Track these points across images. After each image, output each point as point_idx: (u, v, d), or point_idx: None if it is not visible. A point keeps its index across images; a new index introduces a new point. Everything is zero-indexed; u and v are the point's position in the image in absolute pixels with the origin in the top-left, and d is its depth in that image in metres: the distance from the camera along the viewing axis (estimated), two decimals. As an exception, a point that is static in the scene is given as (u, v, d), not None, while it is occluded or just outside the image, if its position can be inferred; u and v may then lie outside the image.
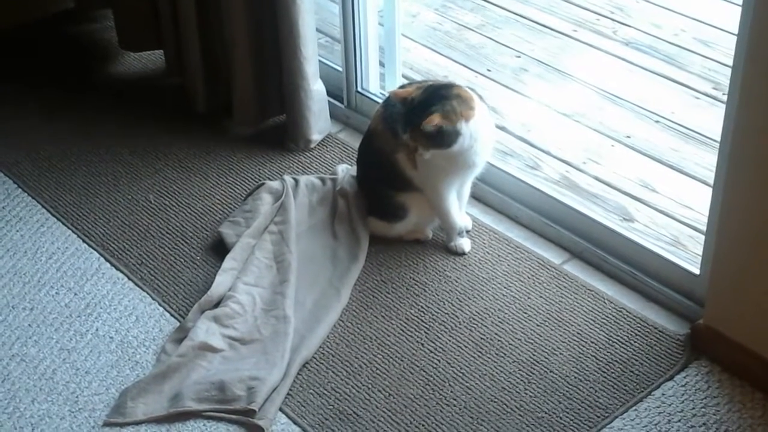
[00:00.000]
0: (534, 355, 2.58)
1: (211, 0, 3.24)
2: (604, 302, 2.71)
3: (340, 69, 3.36)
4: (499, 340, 2.62)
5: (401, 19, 3.34)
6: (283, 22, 3.08)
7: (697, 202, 3.03)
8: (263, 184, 3.05)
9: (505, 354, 2.59)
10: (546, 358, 2.57)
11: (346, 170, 3.09)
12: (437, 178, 2.77)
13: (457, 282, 2.79)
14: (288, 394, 2.50)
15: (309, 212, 2.98)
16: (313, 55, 3.16)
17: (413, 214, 2.86)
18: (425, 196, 2.82)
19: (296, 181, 3.05)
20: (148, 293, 2.79)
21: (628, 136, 3.34)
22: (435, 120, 2.59)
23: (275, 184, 3.04)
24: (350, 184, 3.01)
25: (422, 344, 2.62)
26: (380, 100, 3.03)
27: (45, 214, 3.07)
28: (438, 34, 3.91)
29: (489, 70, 3.65)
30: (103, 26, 3.86)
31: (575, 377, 2.52)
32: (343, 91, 3.37)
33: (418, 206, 2.85)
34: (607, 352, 2.58)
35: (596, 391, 2.49)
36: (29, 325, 2.71)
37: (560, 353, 2.58)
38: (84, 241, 2.97)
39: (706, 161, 3.19)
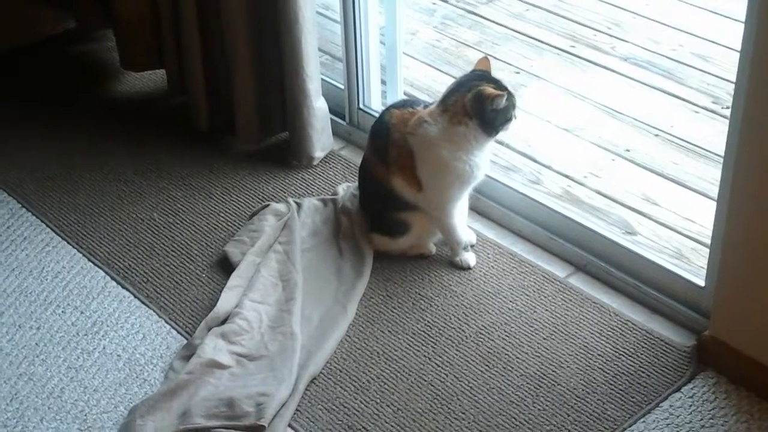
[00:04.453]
0: (541, 368, 2.59)
1: (213, 19, 3.26)
2: (610, 315, 2.72)
3: (341, 86, 3.38)
4: (506, 354, 2.63)
5: (401, 37, 3.36)
6: (286, 40, 3.10)
7: (699, 214, 3.05)
8: (268, 205, 3.06)
9: (512, 368, 2.60)
10: (553, 371, 2.58)
11: (347, 188, 3.10)
12: (443, 195, 2.78)
13: (462, 296, 2.80)
14: (297, 409, 2.51)
15: (313, 232, 2.99)
16: (316, 73, 3.18)
17: (415, 229, 2.88)
18: (429, 214, 2.84)
19: (299, 204, 3.06)
20: (154, 311, 2.80)
21: (628, 150, 3.36)
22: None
23: (280, 206, 3.05)
24: (352, 202, 3.03)
25: (429, 359, 2.63)
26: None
27: (50, 233, 3.07)
28: (437, 51, 3.94)
29: (489, 87, 3.67)
30: (105, 46, 3.88)
31: (583, 390, 2.53)
32: (345, 108, 3.39)
33: (419, 222, 2.87)
34: (614, 364, 2.59)
35: (604, 403, 2.50)
36: (36, 344, 2.71)
37: (567, 366, 2.59)
38: (89, 259, 2.97)
39: (707, 174, 3.21)
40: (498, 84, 2.72)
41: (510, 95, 2.71)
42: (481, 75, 2.76)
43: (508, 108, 2.71)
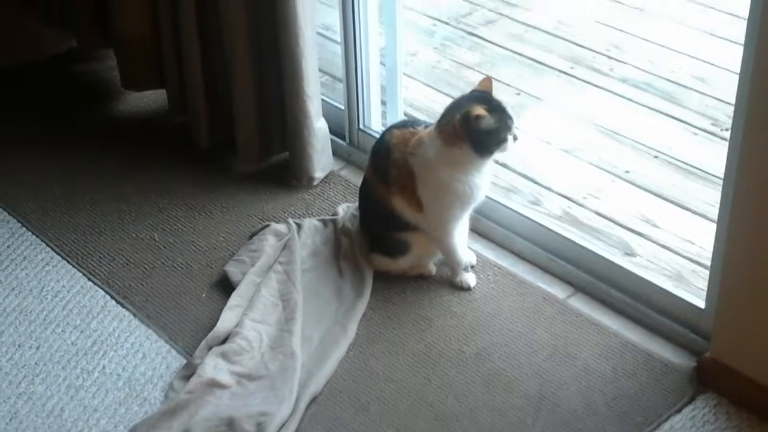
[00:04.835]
0: (541, 389, 2.59)
1: (214, 39, 3.27)
2: (610, 336, 2.72)
3: (342, 107, 3.39)
4: (506, 375, 2.63)
5: (401, 58, 3.37)
6: (287, 61, 3.11)
7: (698, 236, 3.05)
8: (269, 225, 3.07)
9: (512, 389, 2.60)
10: (553, 392, 2.58)
11: (347, 209, 3.11)
12: (444, 216, 2.79)
13: (462, 317, 2.80)
14: (297, 429, 2.50)
15: (313, 252, 2.99)
16: (316, 93, 3.19)
17: (415, 249, 2.88)
18: (429, 235, 2.84)
19: (299, 225, 3.06)
20: (154, 330, 2.80)
21: (628, 171, 3.37)
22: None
23: (281, 227, 3.05)
24: (352, 222, 3.03)
25: (429, 379, 2.63)
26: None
27: (50, 252, 3.07)
28: (437, 72, 3.95)
29: (489, 108, 3.68)
30: (105, 66, 3.88)
31: (583, 411, 2.53)
32: (345, 128, 3.39)
33: (419, 242, 2.87)
34: (614, 386, 2.59)
35: (604, 425, 2.49)
36: (36, 363, 2.71)
37: (567, 387, 2.59)
38: (89, 279, 2.97)
39: (707, 196, 3.22)
40: (491, 104, 2.69)
41: (502, 117, 2.67)
42: (478, 96, 2.75)
43: (499, 129, 2.67)
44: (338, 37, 3.30)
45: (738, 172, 2.38)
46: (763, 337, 2.44)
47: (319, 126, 3.22)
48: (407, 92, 3.72)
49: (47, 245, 3.10)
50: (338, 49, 3.34)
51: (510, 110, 2.71)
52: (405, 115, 3.46)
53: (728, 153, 2.45)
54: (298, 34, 3.05)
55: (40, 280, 2.98)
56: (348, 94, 3.33)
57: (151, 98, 3.73)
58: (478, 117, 2.64)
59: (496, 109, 2.68)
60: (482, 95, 2.73)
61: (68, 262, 3.04)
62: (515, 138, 2.71)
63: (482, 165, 2.73)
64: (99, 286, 2.95)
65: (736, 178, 2.39)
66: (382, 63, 3.36)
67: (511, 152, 2.77)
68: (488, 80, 2.78)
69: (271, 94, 3.26)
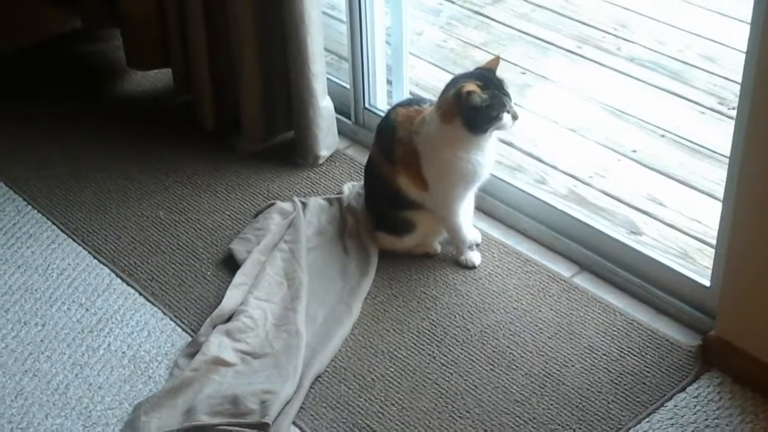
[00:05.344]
0: (546, 367, 2.59)
1: (219, 18, 3.26)
2: (615, 315, 2.72)
3: (347, 86, 3.38)
4: (510, 353, 2.63)
5: (407, 37, 3.36)
6: (292, 39, 3.10)
7: (704, 215, 3.05)
8: (274, 203, 3.06)
9: (517, 367, 2.60)
10: (558, 370, 2.58)
11: (352, 187, 3.11)
12: (448, 194, 2.78)
13: (467, 295, 2.80)
14: (301, 407, 2.51)
15: (318, 231, 2.99)
16: (322, 72, 3.18)
17: (420, 228, 2.88)
18: (434, 213, 2.84)
19: (304, 203, 3.06)
20: (159, 308, 2.80)
21: (634, 151, 3.36)
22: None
23: (286, 205, 3.05)
24: (357, 201, 3.03)
25: (434, 357, 2.63)
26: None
27: (55, 230, 3.08)
28: (443, 51, 3.94)
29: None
30: (111, 45, 3.88)
31: (587, 389, 2.53)
32: (350, 107, 3.39)
33: (424, 221, 2.87)
34: (619, 364, 2.59)
35: (609, 403, 2.49)
36: (41, 340, 2.72)
37: (572, 366, 2.59)
38: (95, 257, 2.98)
39: (713, 175, 3.20)
40: (487, 81, 2.67)
41: (495, 94, 2.65)
42: (476, 73, 2.74)
43: (492, 106, 2.64)
44: (344, 17, 3.29)
45: (744, 151, 2.37)
46: (767, 315, 2.43)
47: (324, 105, 3.22)
48: (413, 71, 3.71)
49: (53, 223, 3.10)
50: (344, 29, 3.34)
51: (507, 88, 2.70)
52: (411, 94, 3.45)
53: (734, 132, 2.44)
54: (303, 12, 3.05)
55: (46, 258, 2.98)
56: (354, 73, 3.33)
57: (157, 77, 3.73)
58: (469, 93, 2.63)
59: (491, 86, 2.66)
60: (481, 73, 2.72)
61: (74, 240, 3.04)
62: (514, 116, 2.69)
63: (481, 142, 2.72)
64: (104, 264, 2.95)
65: (741, 157, 2.38)
66: (387, 42, 3.35)
67: (509, 131, 2.77)
68: (496, 60, 2.77)
69: (277, 73, 3.25)
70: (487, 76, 2.69)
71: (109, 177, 3.29)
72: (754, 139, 2.33)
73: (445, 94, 2.71)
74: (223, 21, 3.25)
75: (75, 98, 3.67)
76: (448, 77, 3.62)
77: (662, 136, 3.42)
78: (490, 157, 2.78)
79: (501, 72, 2.77)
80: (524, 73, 3.77)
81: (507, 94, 2.67)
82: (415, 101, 2.89)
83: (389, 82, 3.39)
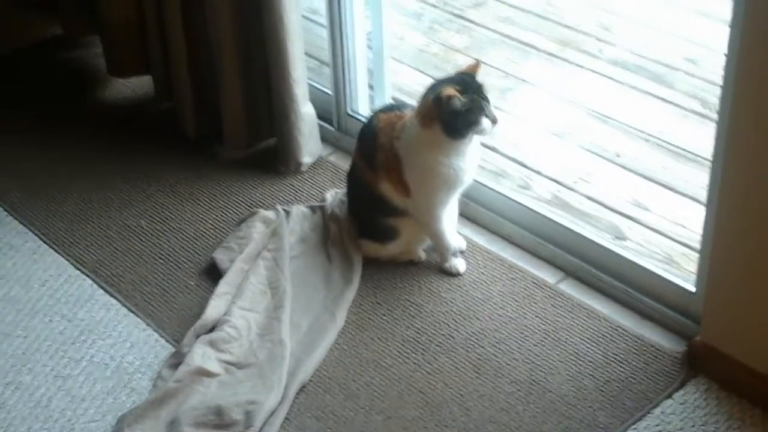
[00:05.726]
0: (531, 375, 2.58)
1: (198, 24, 3.24)
2: (600, 321, 2.71)
3: (329, 92, 3.36)
4: (496, 361, 2.62)
5: (388, 42, 3.34)
6: (272, 44, 3.08)
7: (689, 219, 3.04)
8: (257, 212, 3.04)
9: (502, 374, 2.58)
10: (544, 377, 2.57)
11: (335, 195, 3.09)
12: (430, 200, 2.77)
13: (452, 303, 2.79)
14: (286, 418, 2.49)
15: (301, 239, 2.97)
16: (302, 77, 3.16)
17: (404, 235, 2.87)
18: (417, 220, 2.82)
19: (287, 211, 3.04)
20: (142, 319, 2.78)
21: (618, 155, 3.35)
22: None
23: (269, 214, 3.03)
24: (341, 208, 3.01)
25: (419, 366, 2.62)
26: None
27: (37, 241, 3.05)
28: (425, 55, 3.92)
29: (477, 91, 3.66)
30: (92, 52, 3.84)
31: (573, 396, 2.52)
32: (332, 113, 3.37)
33: (408, 228, 2.85)
34: (605, 370, 2.58)
35: (595, 410, 2.48)
36: (23, 353, 2.69)
37: (558, 373, 2.58)
38: (76, 267, 2.95)
39: (697, 179, 3.20)
40: (467, 86, 2.66)
41: (474, 99, 2.64)
42: (456, 78, 2.73)
43: (470, 111, 2.63)
44: (325, 21, 3.27)
45: (726, 155, 2.36)
46: (752, 320, 2.42)
47: (305, 111, 3.20)
48: (395, 76, 3.70)
49: (34, 234, 3.08)
50: (324, 33, 3.31)
51: (487, 93, 2.68)
52: (393, 99, 3.44)
53: (716, 135, 2.43)
54: (282, 18, 3.03)
55: (27, 269, 2.95)
56: (335, 78, 3.31)
57: (138, 85, 3.70)
58: (448, 97, 2.62)
59: (470, 90, 2.65)
60: (461, 77, 2.71)
61: (55, 250, 3.02)
62: (494, 121, 2.67)
63: (461, 147, 2.70)
64: (86, 275, 2.93)
65: (723, 160, 2.37)
66: (369, 47, 3.33)
67: (490, 135, 2.75)
68: (476, 64, 2.76)
69: (258, 79, 3.24)
70: (466, 81, 2.68)
71: (90, 186, 3.26)
72: (736, 142, 2.33)
73: (425, 99, 2.70)
74: (202, 27, 3.23)
75: (56, 106, 3.65)
76: (431, 81, 3.63)
77: (646, 140, 3.41)
78: (472, 162, 2.77)
79: (483, 76, 2.75)
80: (506, 77, 3.76)
81: (486, 99, 2.66)
82: (396, 106, 2.88)
83: (371, 87, 3.38)
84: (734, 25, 2.28)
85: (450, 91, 2.62)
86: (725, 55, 2.33)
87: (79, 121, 3.58)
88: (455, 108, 2.62)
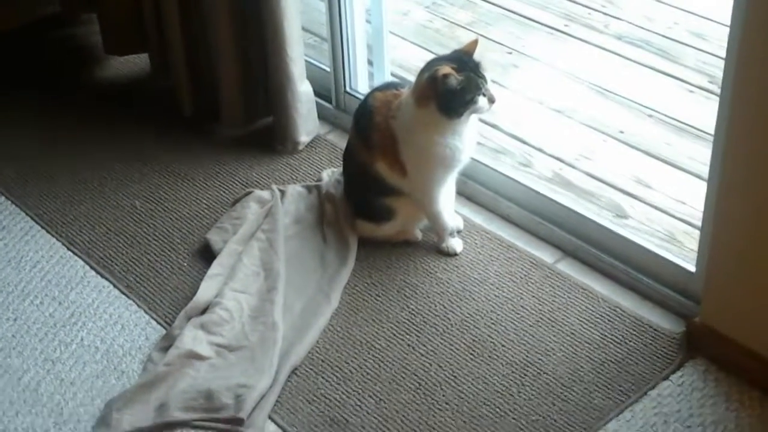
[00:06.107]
0: (527, 356, 2.53)
1: (194, 2, 3.19)
2: (598, 301, 2.66)
3: (328, 69, 3.31)
4: (491, 342, 2.57)
5: (391, 18, 3.29)
6: (268, 22, 3.03)
7: (692, 197, 2.98)
8: (252, 192, 3.00)
9: (497, 356, 2.54)
10: (539, 359, 2.52)
11: (331, 174, 3.04)
12: (426, 179, 2.72)
13: (448, 283, 2.74)
14: (277, 401, 2.45)
15: (297, 219, 2.93)
16: (300, 56, 3.11)
17: (400, 215, 2.82)
18: (414, 199, 2.77)
19: (282, 191, 3.00)
20: (134, 301, 2.75)
21: (621, 131, 3.29)
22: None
23: (264, 194, 2.99)
24: (336, 188, 2.96)
25: (413, 348, 2.57)
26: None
27: (29, 222, 3.02)
28: (429, 31, 3.86)
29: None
30: (89, 30, 3.80)
31: (569, 378, 2.47)
32: (331, 91, 3.32)
33: (405, 208, 2.81)
34: (602, 352, 2.53)
35: (591, 392, 2.43)
36: (13, 336, 2.66)
37: (554, 354, 2.53)
38: (68, 248, 2.92)
39: (701, 155, 3.13)
40: (463, 64, 2.60)
41: (471, 77, 2.58)
42: (452, 56, 2.68)
43: (466, 89, 2.58)
44: (325, -3, 3.22)
45: (728, 131, 2.30)
46: (752, 300, 2.37)
47: (303, 89, 3.15)
48: (397, 52, 3.65)
49: (27, 214, 3.05)
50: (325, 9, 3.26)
51: (484, 71, 2.63)
52: (393, 75, 3.39)
53: (718, 110, 2.37)
54: (279, -6, 2.98)
55: (19, 250, 2.92)
56: (333, 56, 3.26)
57: (135, 62, 3.67)
58: (444, 76, 2.56)
59: (467, 69, 2.60)
60: (457, 55, 2.66)
61: (48, 231, 2.98)
62: (491, 100, 2.62)
63: (457, 126, 2.65)
64: (79, 256, 2.89)
65: (726, 136, 2.31)
66: (368, 21, 3.27)
67: (490, 113, 2.70)
68: (474, 42, 2.69)
69: (255, 57, 3.19)
70: (462, 59, 2.62)
71: (85, 166, 3.23)
72: (738, 117, 2.27)
73: (420, 78, 2.65)
74: (198, 5, 3.18)
75: (52, 84, 3.61)
76: (428, 59, 3.58)
77: (650, 116, 3.35)
78: (469, 141, 2.71)
79: (487, 52, 2.69)
80: (510, 53, 3.70)
81: (483, 77, 2.60)
82: (393, 85, 2.83)
83: (370, 63, 3.32)
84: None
85: (446, 69, 2.57)
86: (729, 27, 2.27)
87: (76, 99, 3.54)
88: (451, 87, 2.57)
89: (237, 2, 3.10)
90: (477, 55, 2.66)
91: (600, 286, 2.71)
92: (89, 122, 3.42)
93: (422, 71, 2.66)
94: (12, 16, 3.80)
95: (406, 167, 2.72)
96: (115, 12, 3.45)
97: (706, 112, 3.31)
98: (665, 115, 3.34)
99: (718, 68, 3.50)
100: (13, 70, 3.69)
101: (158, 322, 2.68)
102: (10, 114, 3.48)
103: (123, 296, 2.76)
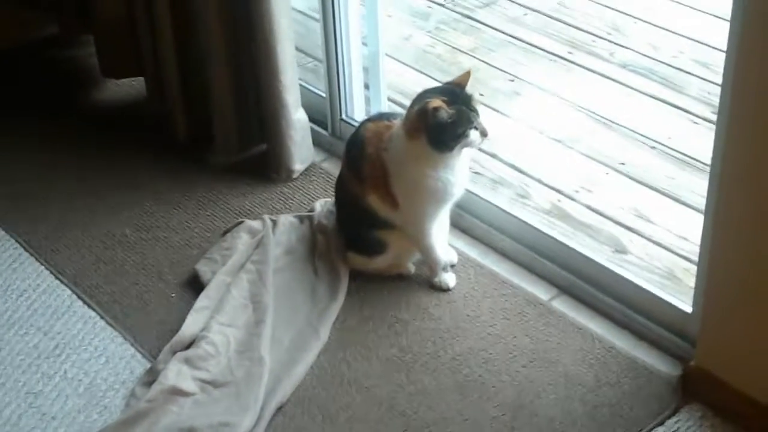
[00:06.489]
0: (519, 397, 2.47)
1: (189, 27, 3.15)
2: (593, 341, 2.59)
3: (324, 95, 3.26)
4: (482, 382, 2.51)
5: (392, 42, 3.24)
6: (261, 50, 2.99)
7: (693, 232, 2.90)
8: (243, 222, 2.95)
9: (488, 397, 2.47)
10: (531, 401, 2.46)
11: (324, 204, 2.99)
12: (418, 213, 2.66)
13: (440, 320, 2.68)
14: (261, 440, 2.40)
15: (288, 250, 2.87)
16: (293, 83, 3.06)
17: (393, 248, 2.76)
18: (406, 233, 2.71)
19: (274, 221, 2.95)
20: (120, 332, 2.69)
21: (623, 163, 3.23)
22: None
23: (255, 224, 2.93)
24: (329, 219, 2.91)
25: (402, 387, 2.51)
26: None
27: (18, 248, 2.97)
28: (430, 57, 3.81)
29: (481, 95, 3.53)
30: (87, 52, 3.76)
31: (561, 422, 2.40)
32: (327, 118, 3.27)
33: (397, 241, 2.75)
34: (595, 394, 2.46)
35: (583, 436, 2.38)
36: (-5, 367, 2.62)
37: (546, 396, 2.47)
38: (56, 277, 2.87)
39: (703, 189, 3.05)
40: (454, 97, 2.55)
41: (461, 110, 2.53)
42: (444, 88, 2.62)
43: (457, 123, 2.52)
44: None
45: (724, 163, 2.24)
46: (749, 344, 2.30)
47: (297, 117, 3.10)
48: (397, 78, 3.60)
49: (16, 240, 3.00)
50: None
51: (476, 104, 2.57)
52: (391, 101, 3.34)
53: (714, 141, 2.31)
54: (272, 22, 2.94)
55: (6, 278, 2.88)
56: (329, 83, 3.21)
57: (131, 86, 3.63)
58: (434, 109, 2.51)
59: (459, 101, 2.54)
60: (449, 88, 2.61)
61: (36, 258, 2.94)
62: (483, 133, 2.56)
63: (449, 160, 2.59)
64: (66, 285, 2.84)
65: (721, 170, 2.25)
66: (364, 44, 3.22)
67: (487, 143, 2.63)
68: (467, 74, 2.64)
69: (248, 84, 3.15)
70: (454, 92, 2.57)
71: (77, 191, 3.18)
72: (734, 148, 2.20)
73: (411, 110, 2.60)
74: (193, 30, 3.14)
75: (48, 106, 3.57)
76: (433, 84, 3.53)
77: (653, 147, 3.29)
78: (462, 174, 2.65)
79: (489, 79, 2.63)
80: (512, 81, 3.65)
81: (475, 110, 2.55)
82: (385, 116, 2.77)
83: (367, 87, 3.26)
84: (733, 25, 2.16)
85: (436, 102, 2.52)
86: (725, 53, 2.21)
87: (71, 122, 3.50)
88: (441, 120, 2.51)
89: (231, 26, 3.06)
90: (475, 84, 2.60)
91: (595, 326, 2.64)
92: (83, 146, 3.38)
93: (413, 103, 2.61)
94: (10, 36, 3.76)
95: (397, 200, 2.67)
96: (111, 36, 3.41)
97: (709, 145, 3.22)
98: (668, 147, 3.28)
99: (722, 99, 3.44)
100: (9, 91, 3.65)
101: (144, 356, 2.62)
102: (5, 136, 3.44)
103: (109, 327, 2.71)
